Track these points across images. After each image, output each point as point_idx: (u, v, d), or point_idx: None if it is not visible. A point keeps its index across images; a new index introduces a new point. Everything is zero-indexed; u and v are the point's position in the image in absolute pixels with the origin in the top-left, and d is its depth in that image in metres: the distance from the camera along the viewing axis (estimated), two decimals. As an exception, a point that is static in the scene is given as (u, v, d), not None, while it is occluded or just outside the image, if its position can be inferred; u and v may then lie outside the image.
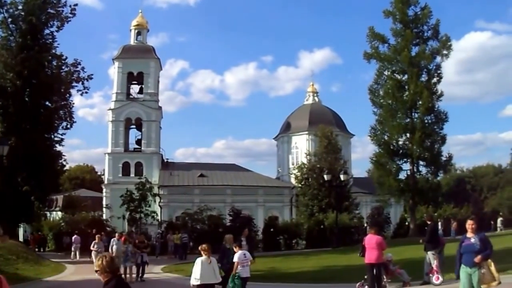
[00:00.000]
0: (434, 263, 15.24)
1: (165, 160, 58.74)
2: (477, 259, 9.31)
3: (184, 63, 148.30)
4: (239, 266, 12.76)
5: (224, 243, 14.64)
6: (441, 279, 14.87)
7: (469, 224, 9.83)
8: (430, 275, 15.27)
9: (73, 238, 34.04)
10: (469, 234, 9.75)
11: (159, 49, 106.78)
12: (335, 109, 70.51)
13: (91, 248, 25.40)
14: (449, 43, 42.78)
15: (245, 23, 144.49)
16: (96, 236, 26.86)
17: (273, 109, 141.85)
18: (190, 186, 54.06)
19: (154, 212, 43.21)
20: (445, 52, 42.75)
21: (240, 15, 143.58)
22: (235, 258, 12.91)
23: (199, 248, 12.11)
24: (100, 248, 24.54)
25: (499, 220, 52.98)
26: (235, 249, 13.41)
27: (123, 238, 22.40)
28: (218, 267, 12.56)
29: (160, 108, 58.76)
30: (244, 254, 13.14)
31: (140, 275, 20.96)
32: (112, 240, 23.62)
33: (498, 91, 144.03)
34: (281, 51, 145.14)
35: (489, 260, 9.49)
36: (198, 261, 11.87)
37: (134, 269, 21.09)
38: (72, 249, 33.11)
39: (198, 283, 11.74)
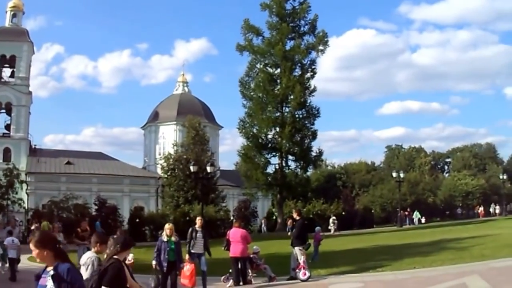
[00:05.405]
0: (301, 259, 14.69)
1: (34, 147, 57.43)
2: None
3: (59, 47, 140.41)
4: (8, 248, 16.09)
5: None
6: (308, 274, 14.47)
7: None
8: (297, 270, 14.73)
9: None
10: (48, 268, 4.65)
11: (36, 33, 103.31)
12: (207, 100, 70.76)
13: None
14: (325, 39, 43.20)
15: (124, 9, 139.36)
16: None
17: (144, 97, 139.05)
18: (57, 173, 53.11)
19: (21, 199, 42.95)
20: (321, 47, 43.12)
21: (120, 1, 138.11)
22: (5, 242, 16.27)
23: None
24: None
25: (331, 219, 43.30)
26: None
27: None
28: None
29: (30, 93, 57.64)
30: (13, 240, 16.47)
31: None
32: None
33: (376, 89, 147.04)
34: (157, 39, 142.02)
35: None
36: None
37: None
38: None
39: None
